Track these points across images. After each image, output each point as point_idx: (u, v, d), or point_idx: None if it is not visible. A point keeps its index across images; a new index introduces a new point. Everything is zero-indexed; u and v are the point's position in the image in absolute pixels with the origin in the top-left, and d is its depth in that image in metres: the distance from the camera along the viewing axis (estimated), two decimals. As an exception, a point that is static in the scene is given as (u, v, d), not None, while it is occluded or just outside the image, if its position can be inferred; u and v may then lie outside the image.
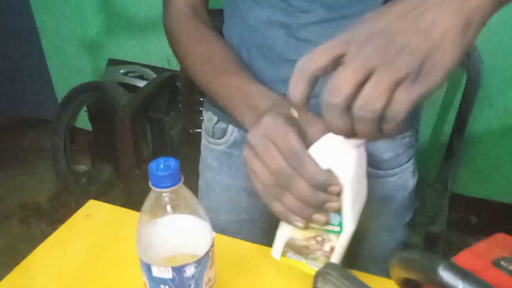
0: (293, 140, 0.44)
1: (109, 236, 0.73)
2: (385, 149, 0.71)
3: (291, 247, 0.49)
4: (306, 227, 0.46)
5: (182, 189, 0.46)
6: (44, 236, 0.72)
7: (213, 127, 0.79)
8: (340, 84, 0.37)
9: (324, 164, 0.43)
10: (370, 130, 0.38)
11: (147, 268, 0.46)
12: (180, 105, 1.81)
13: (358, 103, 0.36)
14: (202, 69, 0.66)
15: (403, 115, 0.36)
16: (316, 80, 0.41)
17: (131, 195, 1.66)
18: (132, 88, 1.87)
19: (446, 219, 1.21)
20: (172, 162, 0.45)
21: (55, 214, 1.90)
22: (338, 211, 0.45)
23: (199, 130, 1.73)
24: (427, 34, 0.36)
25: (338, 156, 0.43)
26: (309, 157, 0.44)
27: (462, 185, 1.66)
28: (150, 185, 0.45)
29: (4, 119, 2.47)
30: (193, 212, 0.49)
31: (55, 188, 2.05)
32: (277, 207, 0.47)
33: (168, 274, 0.46)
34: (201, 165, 0.86)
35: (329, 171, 0.43)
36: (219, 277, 0.54)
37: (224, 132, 0.77)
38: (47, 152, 2.13)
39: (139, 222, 0.47)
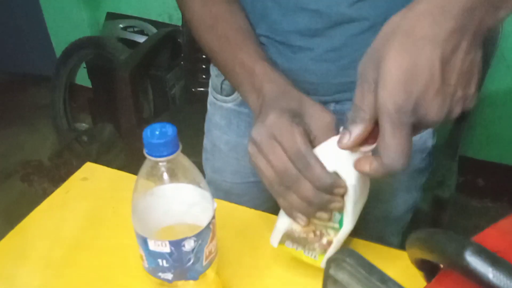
0: (299, 141, 0.44)
1: (107, 201, 0.70)
2: None
3: (289, 237, 0.50)
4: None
5: (180, 158, 0.42)
6: (46, 194, 0.71)
7: (221, 83, 0.74)
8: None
9: (330, 166, 0.43)
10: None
11: (143, 241, 0.43)
12: (182, 63, 1.75)
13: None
14: (205, 36, 0.61)
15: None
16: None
17: (132, 155, 1.63)
18: (132, 44, 1.81)
19: (455, 183, 1.18)
20: (169, 129, 0.40)
21: (56, 173, 1.89)
22: (341, 210, 0.45)
23: (202, 89, 1.67)
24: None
25: (345, 160, 0.43)
26: (315, 159, 0.43)
27: (472, 148, 1.62)
28: (145, 153, 0.41)
29: (3, 75, 2.42)
30: (193, 181, 0.45)
31: (56, 146, 2.03)
32: (281, 202, 0.47)
33: (165, 248, 0.42)
34: (207, 124, 0.81)
35: (335, 174, 0.43)
36: (221, 245, 0.51)
37: (233, 88, 0.72)
38: (48, 109, 2.10)
39: (134, 193, 0.44)
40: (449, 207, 1.18)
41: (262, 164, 0.46)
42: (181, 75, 1.77)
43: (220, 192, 0.82)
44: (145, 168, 0.42)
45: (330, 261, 0.28)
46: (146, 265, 0.45)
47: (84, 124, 2.15)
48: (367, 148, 0.42)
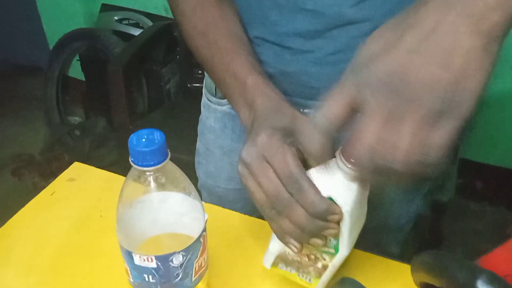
0: (291, 163, 0.41)
1: (94, 203, 0.67)
2: None
3: (282, 259, 0.48)
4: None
5: (170, 166, 0.39)
6: (36, 188, 0.69)
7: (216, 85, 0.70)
8: (376, 147, 0.34)
9: (324, 191, 0.41)
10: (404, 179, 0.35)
11: (128, 255, 0.40)
12: (177, 57, 1.71)
13: (394, 158, 0.33)
14: (196, 43, 0.58)
15: (441, 156, 0.33)
16: (334, 133, 0.39)
17: (125, 151, 1.59)
18: (127, 37, 1.77)
19: (454, 186, 1.16)
20: (157, 136, 0.37)
21: (47, 167, 1.85)
22: (336, 236, 0.43)
23: (198, 85, 1.63)
24: (447, 63, 0.32)
25: (341, 184, 0.40)
26: (309, 183, 0.41)
27: (470, 150, 1.60)
28: (131, 162, 0.37)
29: (-5, 65, 2.38)
30: (183, 190, 0.42)
31: (48, 140, 2.00)
32: (273, 226, 0.44)
33: (152, 264, 0.40)
34: (200, 127, 0.78)
35: (329, 199, 0.41)
36: (212, 254, 0.49)
37: None
38: (40, 101, 2.06)
39: (119, 203, 0.41)
40: (448, 210, 1.16)
41: (252, 186, 0.44)
42: (176, 70, 1.73)
43: (213, 197, 0.79)
44: (130, 176, 0.39)
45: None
46: (131, 280, 0.43)
47: (77, 118, 2.11)
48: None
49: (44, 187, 0.69)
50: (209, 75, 0.60)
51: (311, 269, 0.46)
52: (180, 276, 0.41)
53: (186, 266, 0.41)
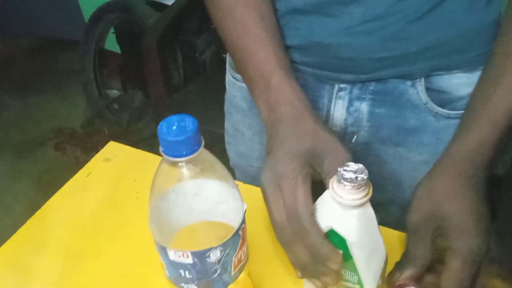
0: (299, 201, 0.41)
1: (130, 184, 0.66)
2: (461, 84, 0.57)
3: None
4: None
5: (204, 155, 0.36)
6: (78, 162, 0.69)
7: None
8: None
9: (326, 222, 0.40)
10: None
11: (163, 250, 0.37)
12: (212, 26, 1.66)
13: None
14: (221, 20, 0.53)
15: None
16: None
17: (162, 125, 1.59)
18: (160, 7, 1.73)
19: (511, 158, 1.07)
20: (188, 122, 0.33)
21: (89, 141, 1.88)
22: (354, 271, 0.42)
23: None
24: None
25: (341, 215, 0.39)
26: (311, 224, 0.40)
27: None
28: (161, 152, 0.34)
29: (33, 40, 2.41)
30: (219, 178, 0.38)
31: (87, 114, 2.02)
32: (287, 253, 0.44)
33: (187, 259, 0.37)
34: (227, 106, 0.73)
35: (330, 243, 0.40)
36: (251, 240, 0.46)
37: None
38: (79, 75, 2.07)
39: (150, 194, 0.38)
40: (504, 185, 1.07)
41: (268, 208, 0.44)
42: (211, 40, 1.68)
43: (247, 177, 0.75)
44: (162, 167, 0.36)
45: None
46: (167, 274, 0.40)
47: (114, 91, 2.12)
48: (363, 200, 0.38)
49: (86, 161, 0.70)
50: (229, 54, 0.56)
51: None
52: (218, 272, 0.38)
53: (224, 262, 0.38)
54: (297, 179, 0.42)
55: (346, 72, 0.56)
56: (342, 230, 0.39)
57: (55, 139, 1.90)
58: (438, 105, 0.57)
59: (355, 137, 0.61)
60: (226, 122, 0.75)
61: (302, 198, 0.41)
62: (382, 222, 0.49)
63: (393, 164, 0.63)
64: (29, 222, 0.61)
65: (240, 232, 0.39)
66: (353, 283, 0.42)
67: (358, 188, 0.36)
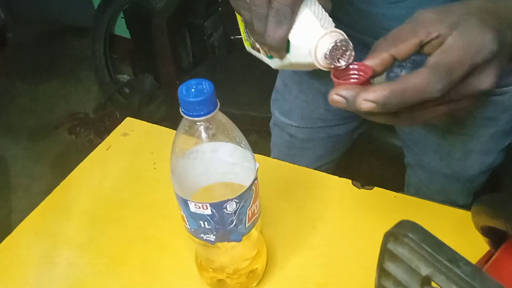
0: None
1: (148, 156, 0.69)
2: None
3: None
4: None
5: (219, 116, 0.39)
6: (92, 145, 0.72)
7: None
8: None
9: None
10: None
11: (184, 203, 0.41)
12: (219, 9, 1.68)
13: None
14: None
15: None
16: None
17: (173, 107, 1.62)
18: (169, -9, 1.75)
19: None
20: (206, 85, 0.37)
21: (102, 124, 1.92)
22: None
23: (241, 37, 1.59)
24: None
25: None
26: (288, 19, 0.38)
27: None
28: (181, 112, 0.38)
29: (43, 26, 2.44)
30: (233, 140, 0.42)
31: (99, 98, 2.06)
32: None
33: (207, 211, 0.41)
34: None
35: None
36: (264, 204, 0.49)
37: None
38: (90, 60, 2.11)
39: (172, 153, 0.41)
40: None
41: None
42: (219, 22, 1.71)
43: (284, 134, 0.80)
44: (182, 127, 0.40)
45: (389, 235, 0.25)
46: (188, 226, 0.44)
47: (125, 76, 2.15)
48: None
49: (99, 143, 0.72)
50: None
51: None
52: (234, 223, 0.42)
53: (240, 213, 0.42)
54: None
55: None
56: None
57: (69, 123, 1.95)
58: None
59: None
60: (278, 78, 0.80)
61: None
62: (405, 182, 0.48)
63: (423, 128, 0.67)
64: (54, 192, 0.64)
65: (253, 187, 0.43)
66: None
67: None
